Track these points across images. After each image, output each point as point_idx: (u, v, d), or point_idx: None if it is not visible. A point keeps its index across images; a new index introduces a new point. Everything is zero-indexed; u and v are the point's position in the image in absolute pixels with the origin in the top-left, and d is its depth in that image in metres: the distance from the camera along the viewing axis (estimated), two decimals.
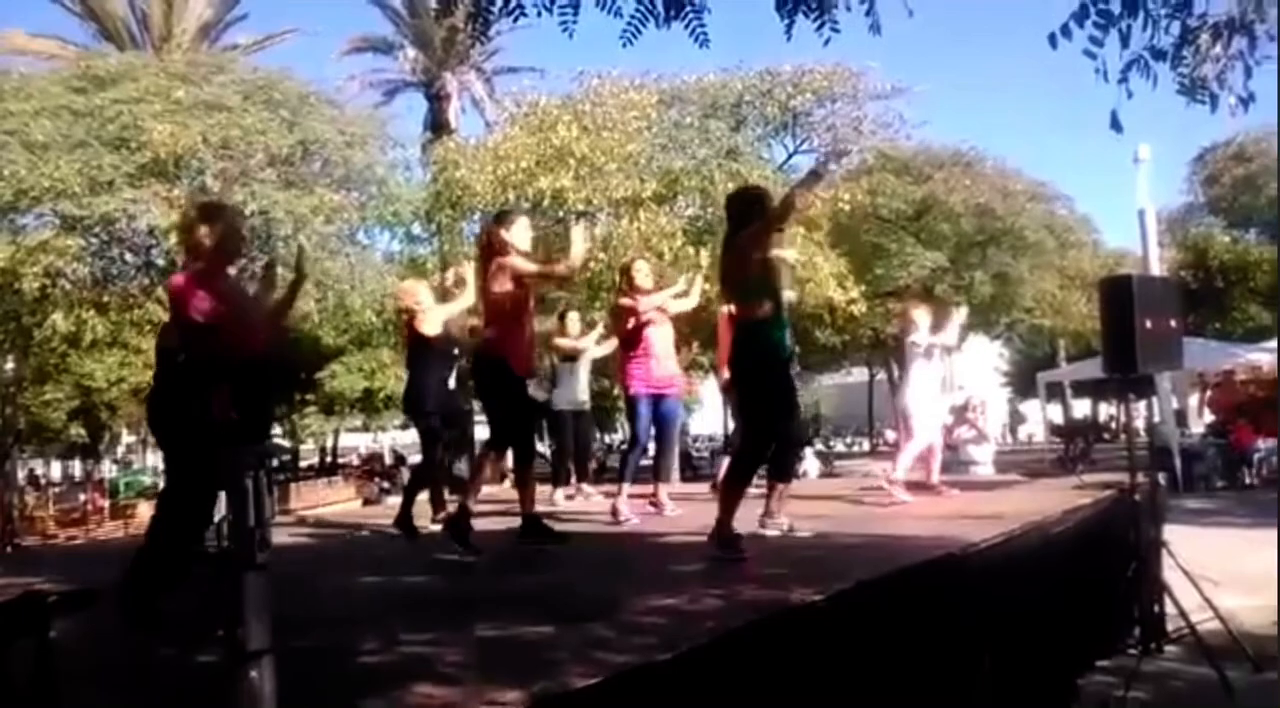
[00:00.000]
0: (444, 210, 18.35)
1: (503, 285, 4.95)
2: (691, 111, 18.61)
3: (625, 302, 6.29)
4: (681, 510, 6.29)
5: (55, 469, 33.84)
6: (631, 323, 6.23)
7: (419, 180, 19.88)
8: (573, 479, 7.75)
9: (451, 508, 5.44)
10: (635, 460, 6.30)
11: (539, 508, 5.33)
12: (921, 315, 7.00)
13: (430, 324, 6.03)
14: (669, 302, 6.45)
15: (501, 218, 5.24)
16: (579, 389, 7.62)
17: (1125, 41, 3.20)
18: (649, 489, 6.61)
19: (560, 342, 7.70)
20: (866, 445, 37.74)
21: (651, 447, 6.66)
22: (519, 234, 5.09)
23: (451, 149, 18.66)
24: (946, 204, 21.77)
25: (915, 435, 6.72)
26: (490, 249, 5.05)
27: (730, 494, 4.58)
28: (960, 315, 7.59)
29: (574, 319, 7.93)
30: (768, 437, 4.72)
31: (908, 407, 6.83)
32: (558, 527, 5.37)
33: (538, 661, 2.72)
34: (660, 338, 6.25)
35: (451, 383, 6.22)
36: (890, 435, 30.24)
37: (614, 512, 6.03)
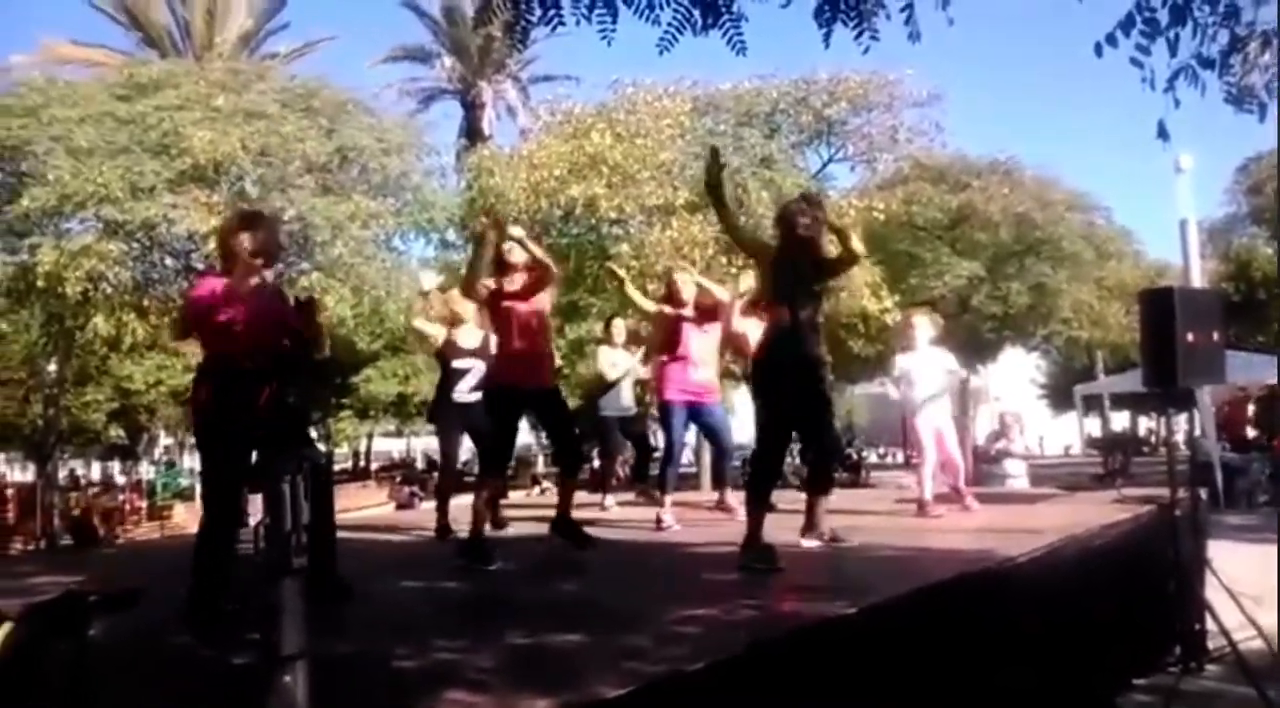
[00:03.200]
0: (478, 217, 18.44)
1: (504, 303, 4.91)
2: (725, 119, 18.52)
3: (667, 311, 6.21)
4: None
5: (95, 470, 34.32)
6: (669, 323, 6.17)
7: (454, 187, 20.01)
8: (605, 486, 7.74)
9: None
10: (673, 471, 6.22)
11: (586, 514, 5.31)
12: (923, 323, 6.72)
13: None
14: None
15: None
16: (624, 397, 7.60)
17: (1173, 50, 3.16)
18: (702, 497, 6.51)
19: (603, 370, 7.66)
20: (900, 456, 37.36)
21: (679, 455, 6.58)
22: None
23: (486, 157, 18.74)
24: (984, 213, 21.45)
25: (925, 450, 6.52)
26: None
27: (752, 505, 4.53)
28: (928, 324, 6.79)
29: (620, 326, 7.80)
30: (774, 443, 4.60)
31: (915, 423, 6.57)
32: (604, 533, 5.40)
33: (566, 670, 2.72)
34: (699, 345, 6.13)
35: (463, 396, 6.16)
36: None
37: (658, 521, 5.97)
